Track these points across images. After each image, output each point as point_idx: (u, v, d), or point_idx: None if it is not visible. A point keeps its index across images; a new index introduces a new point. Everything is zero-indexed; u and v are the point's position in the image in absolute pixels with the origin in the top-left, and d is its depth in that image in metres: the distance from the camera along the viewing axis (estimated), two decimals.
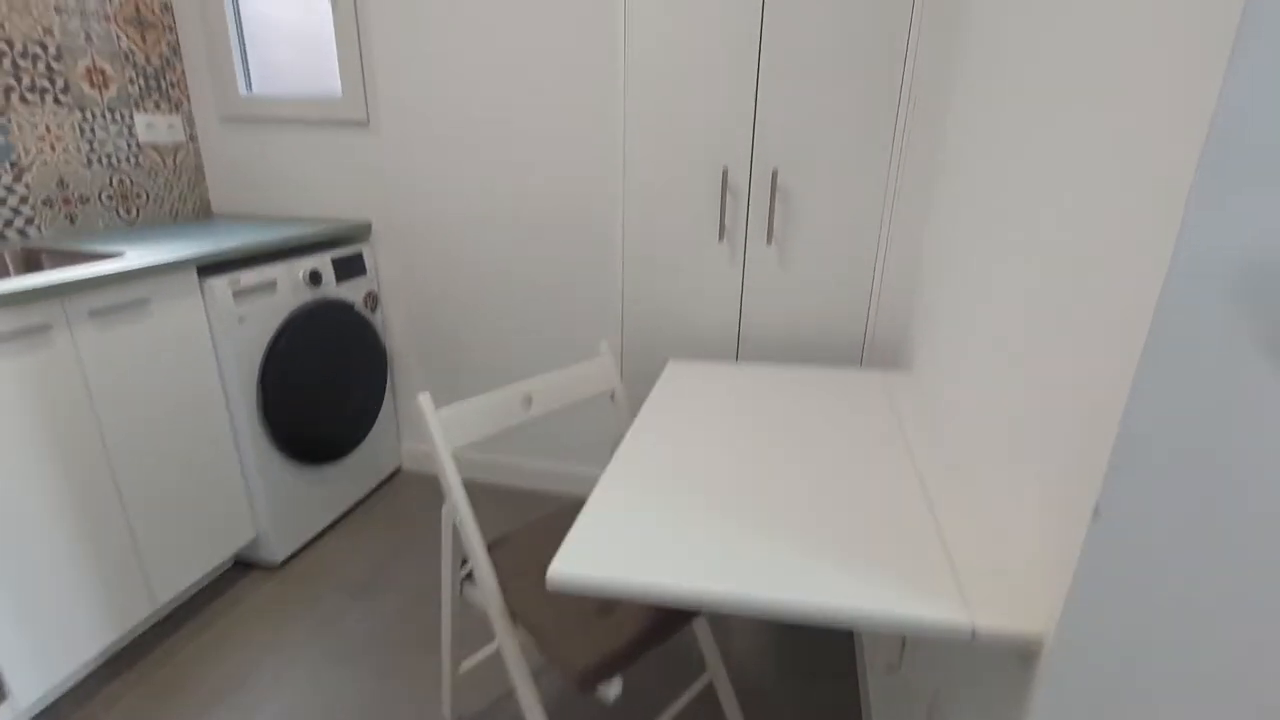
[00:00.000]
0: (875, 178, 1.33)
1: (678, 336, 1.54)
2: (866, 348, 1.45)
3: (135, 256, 1.40)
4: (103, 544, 1.32)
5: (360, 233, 1.99)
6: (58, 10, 1.65)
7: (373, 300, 1.99)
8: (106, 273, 1.25)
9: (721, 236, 1.44)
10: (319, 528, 1.87)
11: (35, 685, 1.23)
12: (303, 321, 1.72)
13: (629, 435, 1.00)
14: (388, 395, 2.10)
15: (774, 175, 1.37)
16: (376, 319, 2.01)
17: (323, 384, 1.80)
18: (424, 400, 0.96)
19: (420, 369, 2.14)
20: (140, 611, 1.41)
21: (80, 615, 1.29)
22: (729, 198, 1.42)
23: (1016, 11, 0.90)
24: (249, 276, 1.59)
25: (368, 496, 2.09)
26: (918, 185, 1.33)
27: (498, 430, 1.06)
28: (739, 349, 1.52)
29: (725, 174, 1.39)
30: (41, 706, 1.30)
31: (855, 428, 1.02)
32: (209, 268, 1.52)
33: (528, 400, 1.10)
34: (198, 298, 1.50)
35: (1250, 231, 0.36)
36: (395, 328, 2.11)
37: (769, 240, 1.42)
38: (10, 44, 1.58)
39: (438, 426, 0.96)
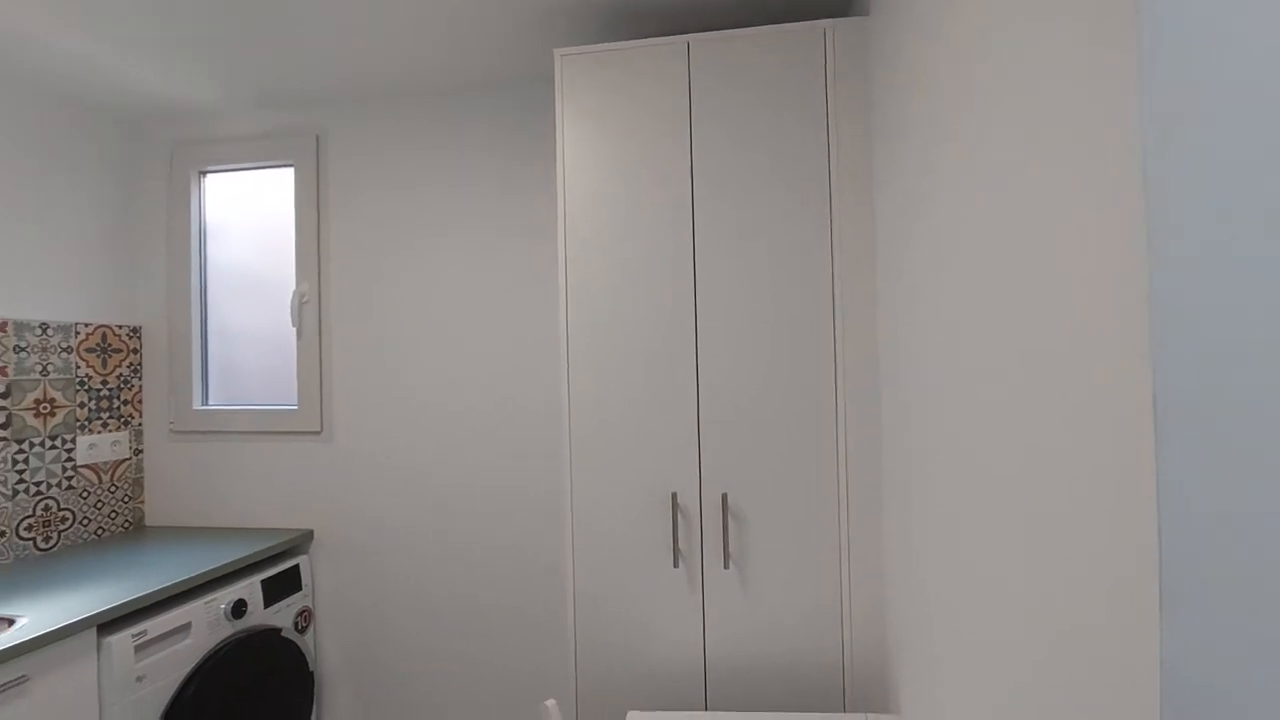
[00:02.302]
0: (826, 491, 1.31)
1: (638, 677, 1.38)
2: (847, 683, 1.30)
3: (31, 619, 1.26)
4: None
5: (302, 542, 1.87)
6: (17, 350, 1.69)
7: (305, 619, 1.80)
8: None
9: (676, 562, 1.37)
10: None
11: None
12: (216, 664, 1.52)
13: None
14: None
15: (724, 498, 1.34)
16: (307, 641, 1.80)
17: None
18: None
19: (353, 699, 1.89)
20: None
21: None
22: (680, 521, 1.37)
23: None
24: (159, 623, 1.44)
25: None
26: (870, 498, 1.30)
27: None
28: (707, 690, 1.35)
29: (675, 499, 1.36)
30: None
31: None
32: (113, 620, 1.37)
33: None
34: (92, 661, 1.32)
35: None
36: (328, 649, 1.90)
37: (726, 564, 1.34)
38: None
39: None
